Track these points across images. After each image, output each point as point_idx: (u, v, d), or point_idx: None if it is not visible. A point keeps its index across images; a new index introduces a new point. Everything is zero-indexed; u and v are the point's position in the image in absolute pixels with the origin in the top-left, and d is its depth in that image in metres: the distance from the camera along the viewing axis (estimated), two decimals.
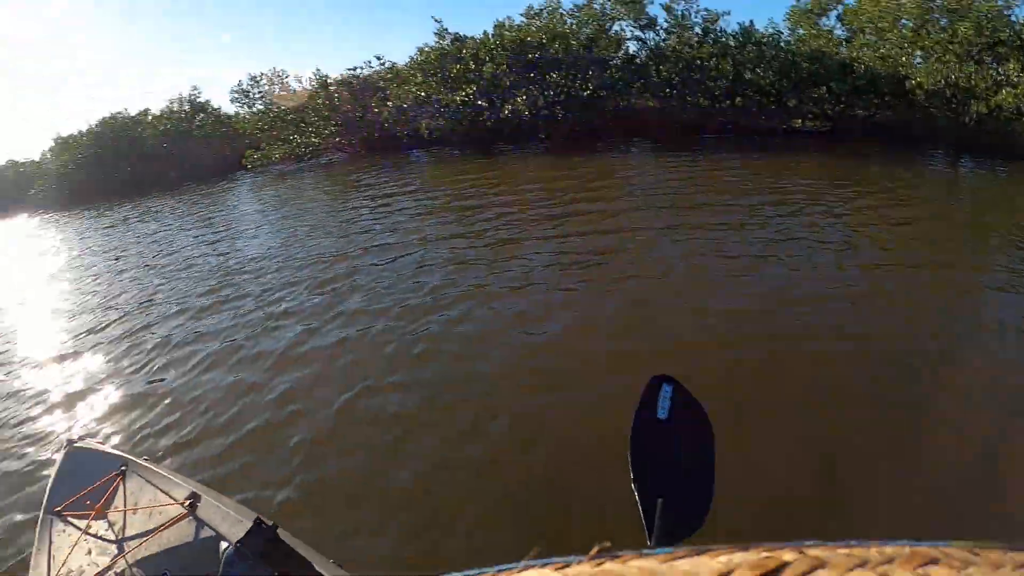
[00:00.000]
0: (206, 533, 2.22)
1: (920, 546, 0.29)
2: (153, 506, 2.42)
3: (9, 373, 6.01)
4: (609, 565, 0.30)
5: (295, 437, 3.64)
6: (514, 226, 6.63)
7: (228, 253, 8.12)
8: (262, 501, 3.09)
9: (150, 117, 20.25)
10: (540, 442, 3.21)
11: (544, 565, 0.31)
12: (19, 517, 3.84)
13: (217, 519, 2.22)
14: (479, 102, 11.60)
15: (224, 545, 2.04)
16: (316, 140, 12.99)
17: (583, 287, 4.87)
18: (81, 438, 3.11)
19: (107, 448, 3.00)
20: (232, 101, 18.07)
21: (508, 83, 11.44)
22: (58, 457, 3.06)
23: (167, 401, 4.54)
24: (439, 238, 6.54)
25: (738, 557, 0.27)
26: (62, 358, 6.07)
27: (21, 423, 4.85)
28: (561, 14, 12.85)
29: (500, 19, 13.22)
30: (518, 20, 13.38)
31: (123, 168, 19.34)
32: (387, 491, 3.11)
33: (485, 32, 12.91)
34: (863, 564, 0.27)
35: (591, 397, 3.35)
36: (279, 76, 16.95)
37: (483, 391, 3.60)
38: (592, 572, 0.29)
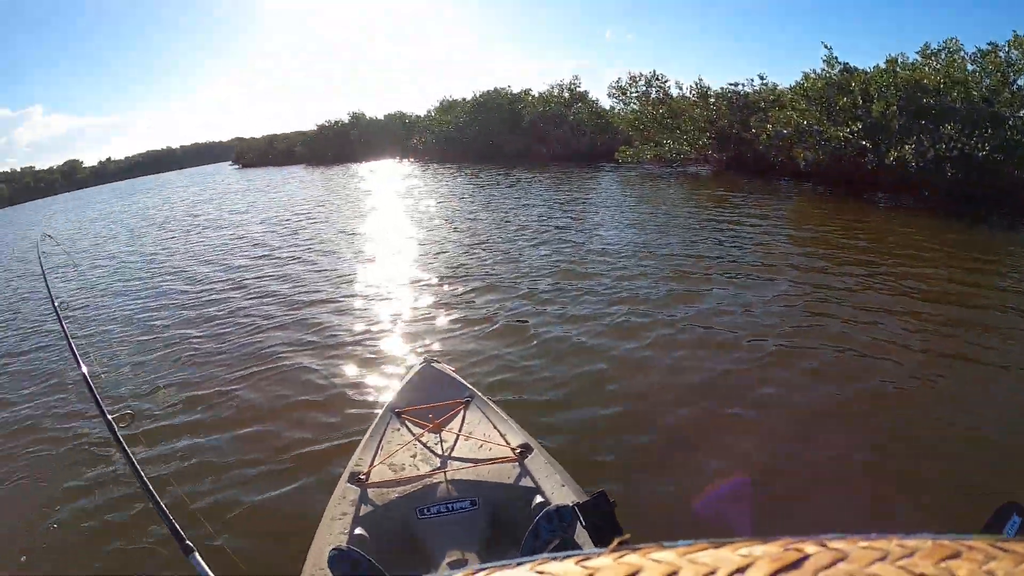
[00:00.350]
0: (526, 483, 2.35)
1: (942, 539, 0.29)
2: (486, 440, 2.63)
3: (383, 291, 7.44)
4: (630, 557, 0.30)
5: (663, 419, 3.93)
6: (882, 288, 5.96)
7: (585, 233, 9.14)
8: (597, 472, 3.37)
9: (531, 97, 23.85)
10: None
11: (565, 558, 0.31)
12: (356, 411, 4.51)
13: (541, 475, 2.36)
14: (863, 142, 11.36)
15: (538, 499, 2.21)
16: (687, 148, 14.40)
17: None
18: (435, 360, 3.46)
19: (458, 376, 3.32)
20: (609, 95, 20.70)
21: (896, 126, 11.10)
22: (411, 369, 3.48)
23: (529, 346, 5.25)
24: (805, 274, 6.48)
25: (758, 549, 0.28)
26: (431, 286, 7.37)
27: (382, 334, 5.99)
28: (962, 57, 11.97)
29: (892, 54, 12.63)
30: (912, 57, 12.62)
31: (498, 137, 22.89)
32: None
33: (877, 66, 12.54)
34: (884, 557, 0.27)
35: None
36: (658, 79, 18.28)
37: None
38: (613, 565, 0.29)
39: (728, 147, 13.86)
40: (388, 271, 8.41)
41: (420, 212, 13.09)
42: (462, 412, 2.87)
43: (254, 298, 7.87)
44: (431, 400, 2.99)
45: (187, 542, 1.74)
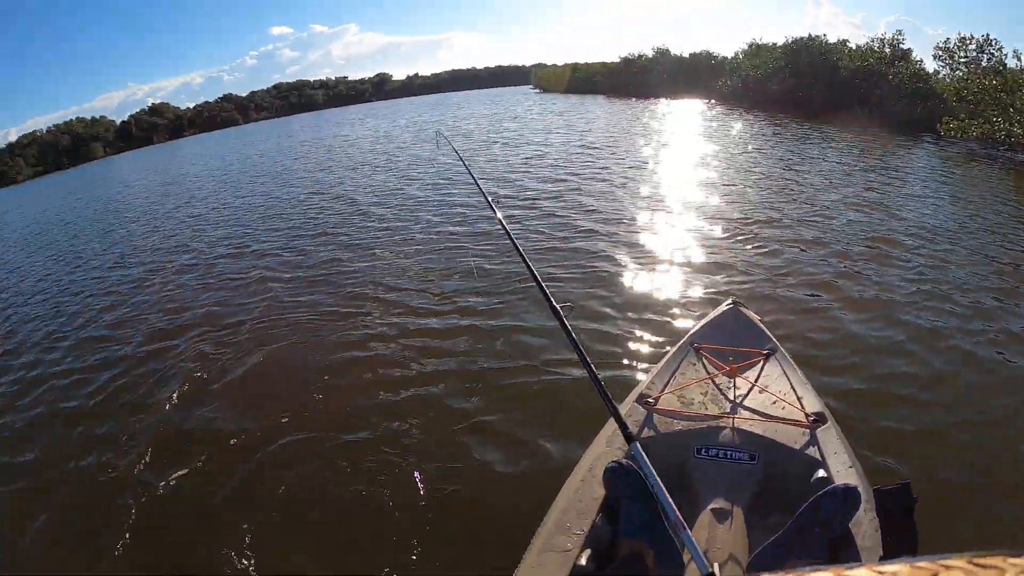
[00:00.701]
0: (811, 453, 2.24)
1: (919, 562, 0.29)
2: (780, 398, 2.53)
3: (688, 227, 7.99)
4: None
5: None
6: None
7: (899, 210, 8.42)
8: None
9: (847, 49, 23.08)
10: None
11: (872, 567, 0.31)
12: (654, 336, 4.89)
13: (829, 449, 2.24)
14: None
15: (821, 473, 2.12)
16: (1020, 131, 13.22)
17: None
18: (742, 303, 3.36)
19: (763, 325, 3.21)
20: (934, 58, 19.25)
21: None
22: (717, 309, 3.41)
23: (839, 307, 5.24)
24: None
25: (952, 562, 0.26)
26: (735, 231, 7.67)
27: (689, 267, 6.48)
28: None
29: None
30: None
31: (811, 88, 22.51)
32: None
33: None
34: None
35: None
36: (991, 45, 17.24)
37: None
38: None
39: None
40: (695, 210, 8.84)
41: (727, 158, 13.53)
42: (761, 363, 2.82)
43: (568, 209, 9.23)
44: (731, 343, 2.96)
45: (629, 431, 1.74)
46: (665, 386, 2.70)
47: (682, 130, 19.52)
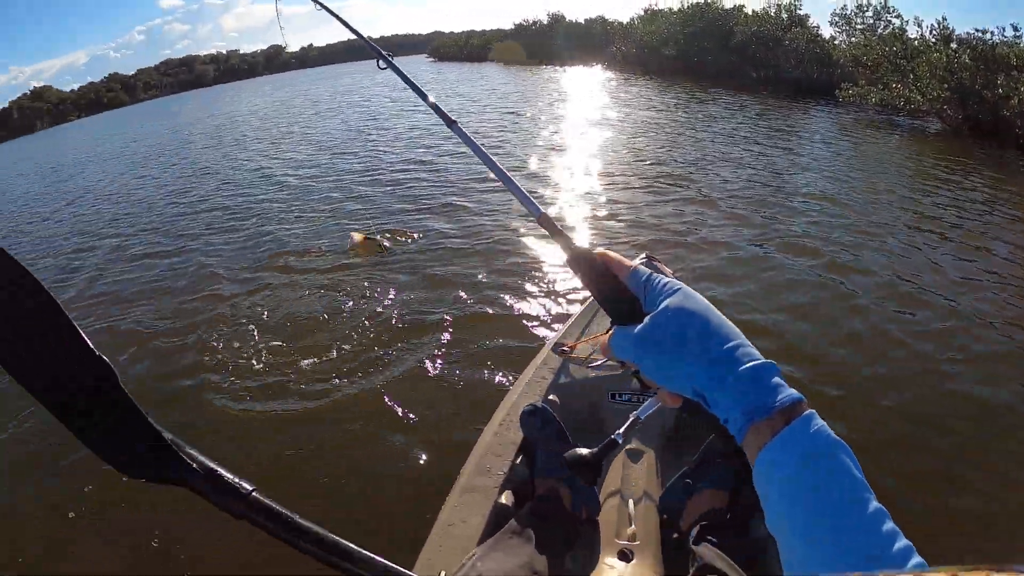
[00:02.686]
0: None
1: (903, 573, 0.30)
2: None
3: (601, 189, 7.95)
4: None
5: None
6: None
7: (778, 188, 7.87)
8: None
9: (743, 14, 22.56)
10: None
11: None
12: (569, 289, 4.98)
13: None
14: None
15: None
16: (919, 98, 12.77)
17: None
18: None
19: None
20: (830, 23, 19.44)
21: None
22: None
23: (737, 263, 5.39)
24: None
25: None
26: (647, 192, 7.72)
27: (604, 220, 6.66)
28: None
29: None
30: None
31: (705, 54, 22.08)
32: None
33: None
34: None
35: None
36: (888, 11, 16.77)
37: None
38: None
39: (968, 106, 11.83)
40: (601, 173, 8.68)
41: (625, 123, 12.99)
42: None
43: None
44: None
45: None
46: (580, 335, 2.72)
47: (577, 97, 18.53)
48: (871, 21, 17.37)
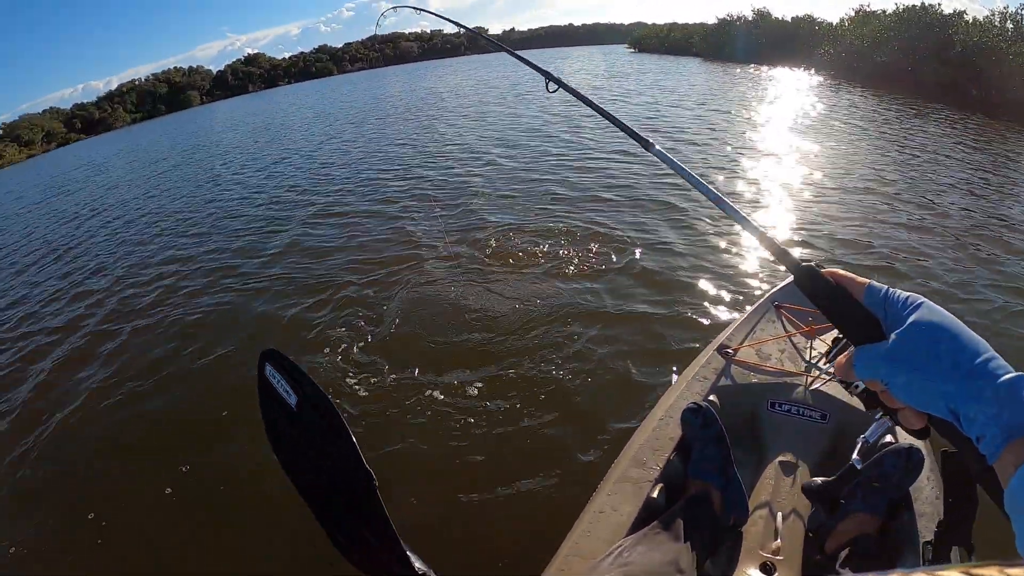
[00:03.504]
0: (882, 418, 2.07)
1: (914, 573, 0.30)
2: None
3: (783, 194, 8.04)
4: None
5: None
6: None
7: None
8: None
9: (965, 21, 20.73)
10: None
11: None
12: (736, 292, 5.12)
13: None
14: None
15: (889, 439, 2.02)
16: None
17: None
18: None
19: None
20: None
21: None
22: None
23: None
24: None
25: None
26: (824, 201, 7.62)
27: (777, 227, 6.65)
28: None
29: None
30: None
31: (922, 63, 20.41)
32: None
33: None
34: None
35: None
36: None
37: None
38: None
39: None
40: (812, 188, 8.37)
41: (834, 134, 12.34)
42: None
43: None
44: (811, 305, 3.09)
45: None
46: (744, 339, 2.74)
47: (787, 106, 17.43)
48: None
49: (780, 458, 2.13)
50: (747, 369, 2.53)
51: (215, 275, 7.31)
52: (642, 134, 1.20)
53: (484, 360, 4.37)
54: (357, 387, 4.25)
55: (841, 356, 0.71)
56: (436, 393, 4.02)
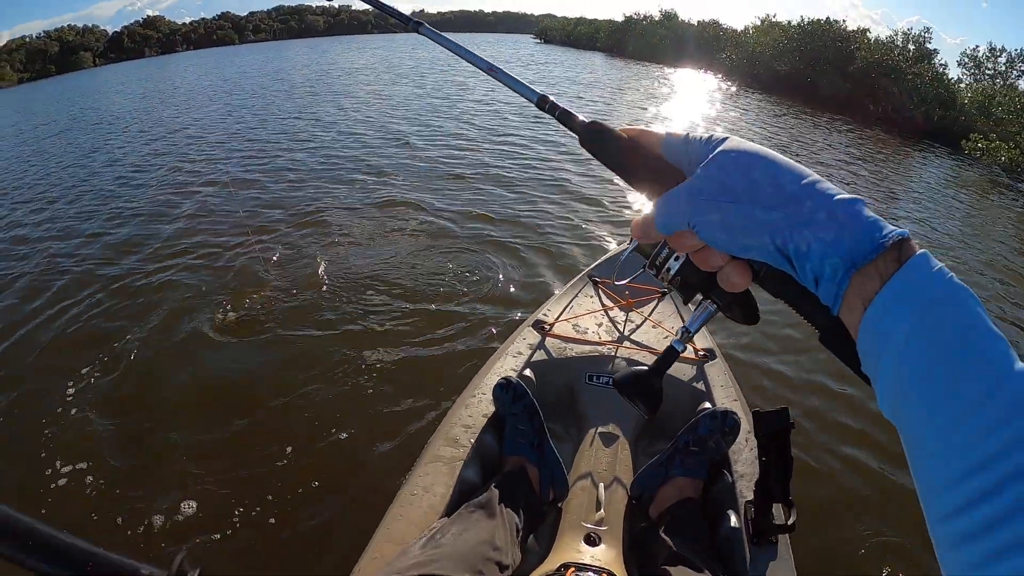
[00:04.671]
0: (698, 386, 2.26)
1: None
2: (671, 333, 2.55)
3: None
4: None
5: None
6: None
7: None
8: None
9: (867, 40, 21.16)
10: None
11: None
12: (554, 268, 5.03)
13: (716, 383, 2.25)
14: None
15: (706, 405, 2.09)
16: None
17: None
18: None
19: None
20: (959, 65, 18.11)
21: None
22: (621, 247, 3.44)
23: None
24: None
25: None
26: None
27: (600, 211, 6.50)
28: None
29: None
30: None
31: (821, 76, 20.67)
32: None
33: None
34: None
35: None
36: (1021, 59, 15.16)
37: None
38: None
39: None
40: None
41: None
42: (656, 301, 2.81)
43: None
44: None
45: None
46: (561, 314, 2.68)
47: (685, 99, 17.71)
48: (1003, 68, 15.84)
49: (600, 430, 2.10)
50: (563, 342, 2.50)
51: None
52: (408, 15, 1.03)
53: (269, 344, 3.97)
54: None
55: (638, 217, 0.58)
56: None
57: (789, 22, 25.22)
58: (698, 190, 0.51)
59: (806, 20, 23.59)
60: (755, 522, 1.54)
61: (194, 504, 2.66)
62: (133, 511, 2.65)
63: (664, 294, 2.83)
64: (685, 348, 0.89)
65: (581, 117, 0.65)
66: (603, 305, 2.78)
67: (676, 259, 0.63)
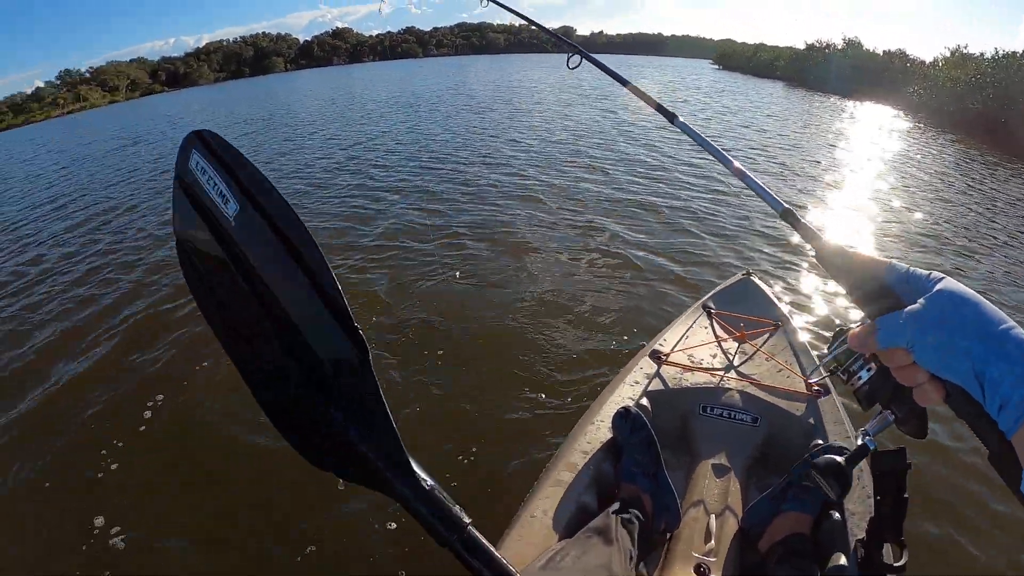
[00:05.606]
0: (811, 421, 2.24)
1: None
2: (785, 366, 2.56)
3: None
4: None
5: None
6: None
7: None
8: None
9: None
10: None
11: None
12: (670, 298, 5.07)
13: (830, 419, 2.23)
14: None
15: (819, 441, 2.09)
16: None
17: None
18: (756, 275, 3.43)
19: (775, 297, 3.26)
20: None
21: None
22: (731, 278, 3.49)
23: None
24: None
25: None
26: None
27: (709, 240, 6.60)
28: None
29: None
30: None
31: (1018, 116, 18.36)
32: None
33: None
34: None
35: None
36: None
37: None
38: None
39: None
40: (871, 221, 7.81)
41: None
42: (770, 333, 2.84)
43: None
44: (742, 310, 3.00)
45: None
46: (677, 344, 2.75)
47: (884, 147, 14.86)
48: None
49: (712, 461, 2.13)
50: (679, 373, 2.55)
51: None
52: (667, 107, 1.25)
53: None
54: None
55: (858, 327, 0.68)
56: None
57: (982, 54, 23.40)
58: (921, 316, 0.61)
59: (1000, 53, 21.67)
60: (865, 561, 1.46)
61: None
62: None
63: (778, 327, 2.88)
64: (876, 446, 1.09)
65: (824, 238, 0.78)
66: (716, 336, 2.81)
67: (868, 370, 0.73)
